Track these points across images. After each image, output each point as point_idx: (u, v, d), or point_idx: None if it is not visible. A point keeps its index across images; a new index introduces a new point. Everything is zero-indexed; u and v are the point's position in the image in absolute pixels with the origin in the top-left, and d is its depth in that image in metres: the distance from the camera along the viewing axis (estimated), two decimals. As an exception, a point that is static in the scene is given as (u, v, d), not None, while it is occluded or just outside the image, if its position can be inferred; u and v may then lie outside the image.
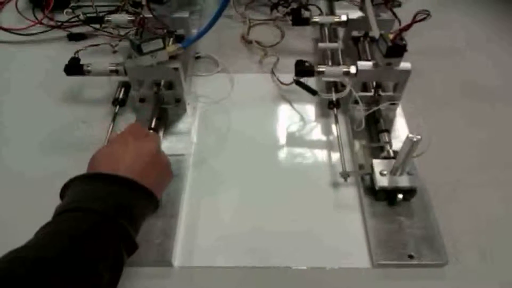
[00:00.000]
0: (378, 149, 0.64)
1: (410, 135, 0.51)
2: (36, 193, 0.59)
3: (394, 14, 0.73)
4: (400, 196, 0.57)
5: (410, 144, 0.52)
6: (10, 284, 0.35)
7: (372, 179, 0.59)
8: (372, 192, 0.60)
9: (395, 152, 0.61)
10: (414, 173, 0.58)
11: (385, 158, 0.61)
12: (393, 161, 0.58)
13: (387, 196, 0.59)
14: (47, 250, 0.39)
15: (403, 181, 0.58)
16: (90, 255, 0.40)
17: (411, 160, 0.56)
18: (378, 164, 0.60)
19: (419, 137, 0.51)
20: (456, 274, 0.54)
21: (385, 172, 0.58)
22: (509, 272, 0.55)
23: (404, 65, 0.63)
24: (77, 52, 0.72)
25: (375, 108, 0.65)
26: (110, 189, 0.46)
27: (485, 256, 0.56)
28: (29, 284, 0.35)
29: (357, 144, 0.67)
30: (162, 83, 0.69)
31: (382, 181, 0.58)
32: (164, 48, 0.61)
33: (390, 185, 0.58)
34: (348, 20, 0.76)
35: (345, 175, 0.61)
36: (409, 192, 0.58)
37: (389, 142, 0.63)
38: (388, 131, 0.65)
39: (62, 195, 0.47)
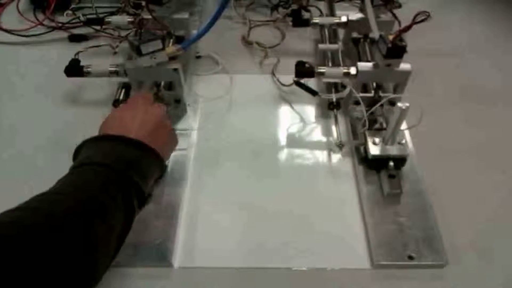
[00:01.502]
0: (372, 123, 0.66)
1: (399, 104, 0.54)
2: (38, 192, 0.59)
3: (394, 15, 0.73)
4: (392, 164, 0.60)
5: (400, 112, 0.54)
6: (51, 222, 0.38)
7: (366, 149, 0.62)
8: (366, 162, 0.63)
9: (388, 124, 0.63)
10: (404, 142, 0.61)
11: (377, 129, 0.64)
12: (385, 132, 0.61)
13: (379, 165, 0.62)
14: (78, 197, 0.42)
15: (394, 150, 0.61)
16: (108, 201, 0.44)
17: (401, 130, 0.60)
18: (371, 134, 0.62)
19: (407, 104, 0.54)
20: (456, 275, 0.54)
21: (377, 142, 0.61)
22: (509, 272, 0.54)
23: (404, 66, 0.63)
24: (77, 53, 0.72)
25: (376, 106, 0.65)
26: (119, 148, 0.49)
27: (484, 257, 0.56)
28: (67, 227, 0.39)
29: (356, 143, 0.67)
30: (162, 84, 0.69)
31: (374, 150, 0.61)
32: (163, 49, 0.62)
33: (381, 154, 0.60)
34: (348, 21, 0.77)
35: (339, 144, 0.65)
36: (400, 160, 0.61)
37: (382, 114, 0.66)
38: (382, 105, 0.67)
39: (75, 156, 0.50)
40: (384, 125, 0.65)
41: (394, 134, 0.59)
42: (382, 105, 0.66)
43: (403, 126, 0.59)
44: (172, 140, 0.59)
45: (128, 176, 0.47)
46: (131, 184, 0.47)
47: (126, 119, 0.53)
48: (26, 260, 0.34)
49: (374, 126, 0.65)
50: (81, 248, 0.39)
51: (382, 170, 0.62)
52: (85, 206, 0.42)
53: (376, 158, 0.61)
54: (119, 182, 0.46)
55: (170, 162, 0.64)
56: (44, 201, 0.41)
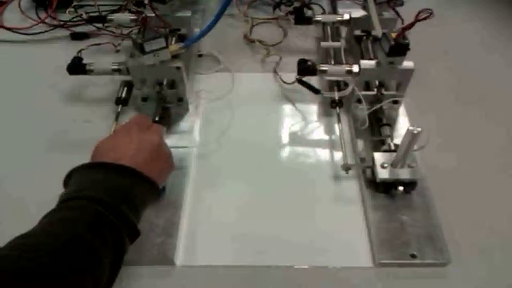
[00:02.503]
0: (379, 144, 0.64)
1: (411, 127, 0.52)
2: (40, 191, 0.59)
3: (396, 13, 0.73)
4: (401, 188, 0.58)
5: (411, 136, 0.52)
6: (32, 274, 0.36)
7: (373, 172, 0.60)
8: (373, 185, 0.61)
9: (396, 145, 0.62)
10: (415, 165, 0.58)
11: (386, 151, 0.62)
12: (394, 154, 0.59)
13: (388, 188, 0.59)
14: (57, 237, 0.40)
15: (404, 174, 0.58)
16: (95, 242, 0.41)
17: (412, 153, 0.57)
18: (379, 157, 0.60)
19: (419, 129, 0.51)
20: (458, 274, 0.54)
21: (386, 165, 0.59)
22: (511, 271, 0.54)
23: (407, 64, 0.63)
24: (79, 51, 0.72)
25: (377, 106, 0.65)
26: (113, 177, 0.47)
27: (487, 256, 0.56)
28: (50, 272, 0.37)
29: (359, 143, 0.67)
30: (165, 82, 0.69)
31: (383, 174, 0.58)
32: (166, 47, 0.61)
33: (391, 177, 0.58)
34: (351, 19, 0.76)
35: (346, 167, 0.62)
36: (410, 185, 0.59)
37: (391, 136, 0.64)
38: (390, 125, 0.66)
39: (65, 183, 0.48)
40: (392, 147, 0.62)
41: (404, 157, 0.57)
42: (390, 125, 0.65)
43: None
44: (168, 166, 0.57)
45: (120, 211, 0.44)
46: (122, 220, 0.44)
47: (121, 145, 0.51)
48: None
49: (382, 147, 0.63)
50: None
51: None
52: (73, 253, 0.39)
53: (384, 182, 0.59)
54: (109, 219, 0.43)
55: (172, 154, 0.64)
56: (26, 247, 0.39)
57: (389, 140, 0.63)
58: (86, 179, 0.47)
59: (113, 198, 0.45)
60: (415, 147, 0.55)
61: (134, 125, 0.55)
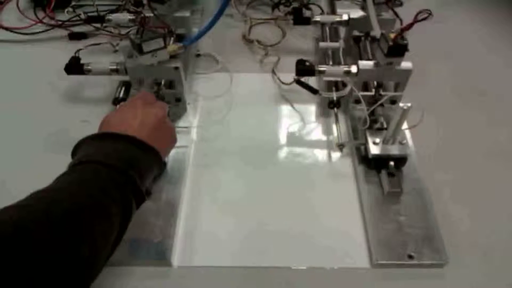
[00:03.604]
0: (373, 123, 0.65)
1: (401, 104, 0.53)
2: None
3: (395, 13, 0.73)
4: (392, 163, 0.60)
5: (401, 112, 0.54)
6: (50, 225, 0.38)
7: (366, 149, 0.62)
8: (367, 161, 0.63)
9: (388, 124, 0.63)
10: (405, 142, 0.61)
11: (378, 129, 0.64)
12: (385, 132, 0.61)
13: (379, 165, 0.61)
14: (78, 196, 0.42)
15: (395, 150, 0.60)
16: (106, 201, 0.44)
17: (403, 130, 0.60)
18: (371, 134, 0.62)
19: (409, 104, 0.53)
20: (456, 274, 0.54)
21: (377, 141, 0.61)
22: (509, 271, 0.54)
23: (405, 64, 0.63)
24: (77, 51, 0.72)
25: (377, 104, 0.65)
26: (120, 146, 0.49)
27: (485, 256, 0.56)
28: (67, 226, 0.39)
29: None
30: (163, 82, 0.69)
31: (375, 150, 0.61)
32: (164, 47, 0.61)
33: (382, 153, 0.60)
34: (349, 19, 0.77)
35: (340, 144, 0.64)
36: (400, 160, 0.60)
37: (383, 115, 0.66)
38: (382, 104, 0.66)
39: (73, 153, 0.50)
40: (385, 125, 0.64)
41: (395, 134, 0.59)
42: (382, 105, 0.66)
43: (404, 126, 0.58)
44: (172, 140, 0.59)
45: (128, 176, 0.47)
46: (130, 183, 0.47)
47: (127, 118, 0.53)
48: (24, 262, 0.34)
49: (374, 126, 0.65)
50: (80, 250, 0.39)
51: (382, 170, 0.61)
52: (84, 208, 0.41)
53: (376, 158, 0.61)
54: (118, 182, 0.45)
55: (169, 161, 0.64)
56: (42, 200, 0.41)
57: (381, 119, 0.65)
58: (95, 147, 0.49)
59: (120, 163, 0.47)
60: (407, 125, 0.58)
61: (140, 100, 0.58)
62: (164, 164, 0.61)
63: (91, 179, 0.45)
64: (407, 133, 0.65)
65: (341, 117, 0.70)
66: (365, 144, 0.63)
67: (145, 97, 0.59)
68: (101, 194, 0.43)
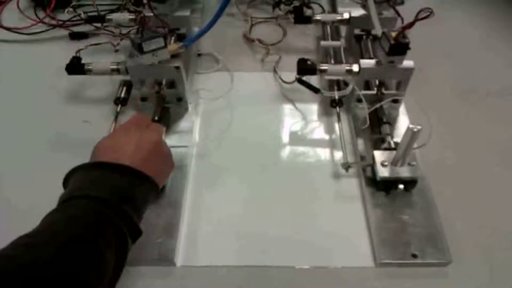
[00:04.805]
0: (379, 142, 0.64)
1: (411, 126, 0.51)
2: (40, 191, 0.59)
3: (396, 12, 0.72)
4: (401, 186, 0.58)
5: (411, 135, 0.52)
6: (34, 272, 0.36)
7: (373, 170, 0.60)
8: (374, 183, 0.60)
9: (396, 143, 0.61)
10: (415, 164, 0.58)
11: (386, 149, 0.62)
12: (394, 152, 0.59)
13: (388, 187, 0.59)
14: (59, 235, 0.40)
15: (404, 172, 0.58)
16: (98, 240, 0.41)
17: (412, 151, 0.57)
18: (379, 155, 0.60)
19: (419, 127, 0.51)
20: (459, 273, 0.54)
21: (386, 163, 0.59)
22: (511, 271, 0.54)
23: (407, 63, 0.63)
24: (78, 51, 0.72)
25: (378, 105, 0.65)
26: (113, 177, 0.47)
27: (488, 255, 0.55)
28: (52, 270, 0.37)
29: (359, 142, 0.67)
30: (164, 81, 0.69)
31: (383, 172, 0.58)
32: (165, 46, 0.61)
33: (391, 176, 0.58)
34: (351, 18, 0.76)
35: (346, 166, 0.62)
36: (410, 183, 0.58)
37: (390, 134, 0.64)
38: (390, 123, 0.66)
39: (65, 184, 0.48)
40: (393, 145, 0.62)
41: (405, 155, 0.57)
42: (390, 123, 0.65)
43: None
44: (169, 164, 0.57)
45: (122, 210, 0.44)
46: (124, 219, 0.44)
47: (120, 145, 0.51)
48: None
49: (382, 145, 0.63)
50: None
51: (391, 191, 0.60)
52: (75, 251, 0.39)
53: (385, 181, 0.59)
54: (112, 218, 0.43)
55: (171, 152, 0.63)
56: (29, 247, 0.38)
57: (389, 138, 0.63)
58: (86, 179, 0.46)
59: (114, 197, 0.44)
60: (415, 145, 0.55)
61: (133, 124, 0.56)
62: (162, 188, 0.59)
63: (82, 218, 0.42)
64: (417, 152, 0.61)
65: (343, 116, 0.70)
66: (373, 165, 0.60)
67: (139, 120, 0.57)
68: (93, 234, 0.41)
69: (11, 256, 0.37)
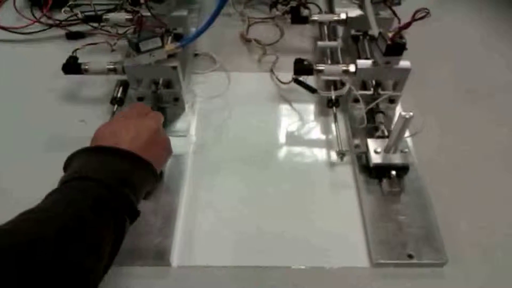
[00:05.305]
0: (373, 131, 0.65)
1: (403, 113, 0.52)
2: (37, 191, 0.58)
3: (393, 12, 0.72)
4: (394, 172, 0.59)
5: (403, 121, 0.53)
6: (40, 247, 0.37)
7: (367, 158, 0.61)
8: (367, 170, 0.62)
9: (389, 132, 0.62)
10: (407, 151, 0.60)
11: (379, 137, 0.63)
12: (387, 140, 0.60)
13: (381, 173, 0.60)
14: (60, 214, 0.41)
15: (396, 158, 0.59)
16: (97, 222, 0.42)
17: (404, 139, 0.59)
18: (372, 143, 0.61)
19: (411, 113, 0.52)
20: (456, 274, 0.54)
21: (379, 150, 0.60)
22: (509, 271, 0.54)
23: (404, 63, 0.63)
24: (75, 50, 0.71)
25: (375, 102, 0.65)
26: (112, 161, 0.48)
27: (485, 256, 0.56)
28: (57, 246, 0.38)
29: (356, 142, 0.67)
30: (161, 81, 0.69)
31: (376, 159, 0.60)
32: (162, 46, 0.61)
33: (383, 162, 0.59)
34: (348, 18, 0.76)
35: (340, 153, 0.63)
36: (402, 169, 0.59)
37: (384, 123, 0.65)
38: (383, 112, 0.66)
39: (65, 167, 0.49)
40: (386, 133, 0.63)
41: (397, 142, 0.58)
42: (383, 113, 0.66)
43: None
44: (167, 152, 0.58)
45: (120, 192, 0.46)
46: (123, 200, 0.46)
47: (120, 131, 0.52)
48: None
49: (375, 133, 0.64)
50: (71, 273, 0.38)
51: (384, 178, 0.60)
52: (75, 229, 0.40)
53: (377, 167, 0.60)
54: (110, 199, 0.44)
55: (168, 161, 0.64)
56: (31, 222, 0.40)
57: (382, 127, 0.64)
58: (87, 162, 0.48)
59: (113, 180, 0.46)
60: (408, 133, 0.57)
61: (133, 111, 0.57)
62: (160, 175, 0.60)
63: (82, 199, 0.43)
64: (409, 140, 0.64)
65: (340, 116, 0.70)
66: (366, 153, 0.62)
67: (139, 108, 0.58)
68: (92, 214, 0.42)
69: (13, 232, 0.38)
